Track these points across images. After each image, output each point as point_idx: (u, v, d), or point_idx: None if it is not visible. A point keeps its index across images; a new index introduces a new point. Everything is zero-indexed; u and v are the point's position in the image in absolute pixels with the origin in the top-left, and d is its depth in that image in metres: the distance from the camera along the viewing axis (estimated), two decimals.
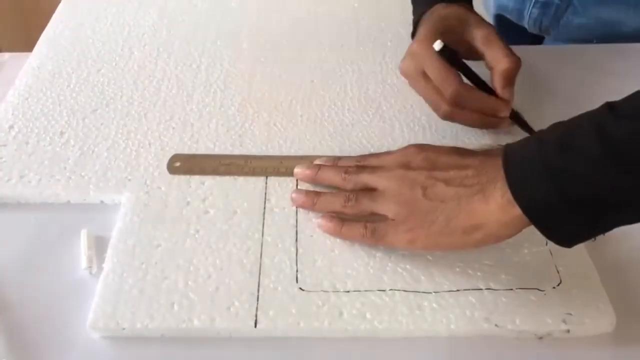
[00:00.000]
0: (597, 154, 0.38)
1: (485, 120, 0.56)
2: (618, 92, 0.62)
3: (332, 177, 0.50)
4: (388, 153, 0.50)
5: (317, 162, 0.53)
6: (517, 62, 0.55)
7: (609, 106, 0.40)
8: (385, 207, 0.46)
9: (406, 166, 0.47)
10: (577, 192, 0.38)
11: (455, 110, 0.55)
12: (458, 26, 0.57)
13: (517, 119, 0.56)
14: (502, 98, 0.55)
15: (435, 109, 0.56)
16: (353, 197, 0.48)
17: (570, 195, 0.38)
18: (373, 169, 0.48)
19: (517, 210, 0.40)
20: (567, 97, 0.63)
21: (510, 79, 0.54)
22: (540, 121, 0.59)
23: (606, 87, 0.64)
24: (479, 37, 0.57)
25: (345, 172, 0.49)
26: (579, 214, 0.39)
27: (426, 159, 0.46)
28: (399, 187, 0.46)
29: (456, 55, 0.55)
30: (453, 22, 0.58)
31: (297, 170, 0.52)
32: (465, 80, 0.55)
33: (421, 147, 0.48)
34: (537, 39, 0.80)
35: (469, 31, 0.57)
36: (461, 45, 0.56)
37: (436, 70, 0.54)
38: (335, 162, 0.52)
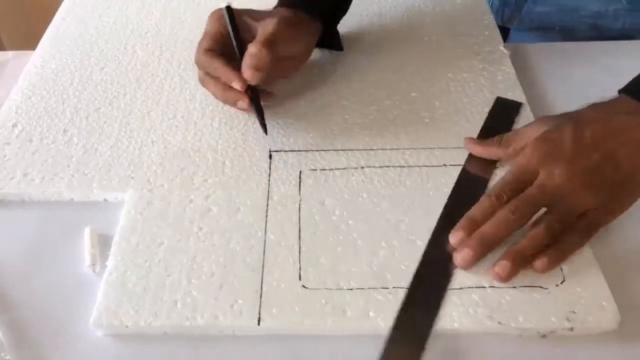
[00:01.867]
0: None
1: (225, 94, 0.56)
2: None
3: (505, 228, 0.45)
4: (520, 162, 0.48)
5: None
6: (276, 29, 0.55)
7: None
8: (583, 202, 0.46)
9: (564, 161, 0.46)
10: None
11: (206, 78, 0.57)
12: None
13: (256, 103, 0.56)
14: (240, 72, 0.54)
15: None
16: (557, 224, 0.45)
17: None
18: (537, 186, 0.46)
19: None
20: (567, 95, 0.63)
21: (263, 43, 0.53)
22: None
23: (607, 85, 0.64)
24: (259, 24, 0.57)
25: (514, 211, 0.45)
26: None
27: (573, 138, 0.47)
28: (579, 180, 0.46)
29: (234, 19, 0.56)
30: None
31: (453, 240, 0.46)
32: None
33: (546, 138, 0.48)
34: (502, 32, 0.79)
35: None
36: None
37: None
38: (488, 210, 0.46)
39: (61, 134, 0.57)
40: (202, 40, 0.57)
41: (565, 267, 0.46)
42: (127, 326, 0.43)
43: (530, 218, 0.46)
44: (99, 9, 0.74)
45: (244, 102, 0.55)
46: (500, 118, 0.57)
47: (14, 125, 0.58)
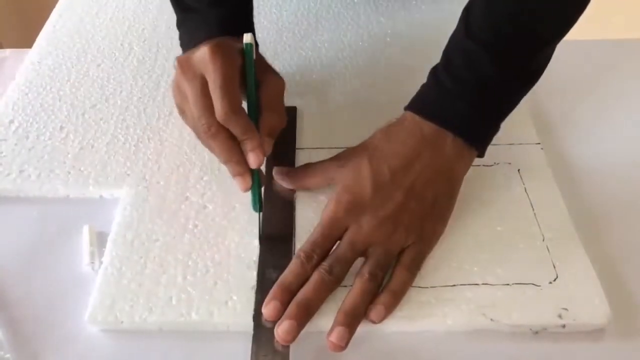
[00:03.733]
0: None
1: (237, 158, 0.45)
2: (618, 87, 0.62)
3: (324, 290, 0.43)
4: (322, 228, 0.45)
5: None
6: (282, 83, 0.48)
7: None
8: (398, 243, 0.45)
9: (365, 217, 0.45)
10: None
11: (218, 134, 0.44)
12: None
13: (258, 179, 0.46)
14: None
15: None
16: (372, 281, 0.43)
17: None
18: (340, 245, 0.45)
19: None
20: (567, 93, 0.63)
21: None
22: (542, 117, 0.59)
23: (606, 83, 0.65)
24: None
25: (329, 271, 0.43)
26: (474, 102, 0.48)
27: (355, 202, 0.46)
28: (389, 225, 0.45)
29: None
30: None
31: (269, 313, 0.42)
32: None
33: (341, 200, 0.46)
34: None
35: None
36: None
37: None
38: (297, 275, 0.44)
39: (57, 130, 0.57)
40: (218, 89, 0.43)
41: (558, 264, 0.46)
42: (122, 322, 0.43)
43: (347, 273, 0.44)
44: (96, 6, 0.74)
45: (248, 180, 0.46)
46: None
47: (11, 122, 0.58)
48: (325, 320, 0.42)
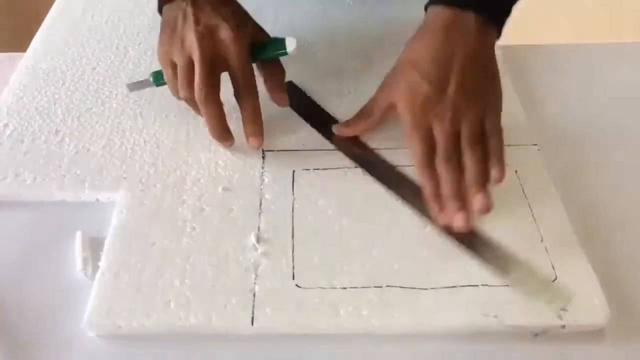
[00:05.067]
0: None
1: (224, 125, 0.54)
2: (616, 89, 0.63)
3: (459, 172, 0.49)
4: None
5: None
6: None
7: None
8: (475, 111, 0.50)
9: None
10: None
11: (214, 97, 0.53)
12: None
13: None
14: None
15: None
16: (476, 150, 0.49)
17: None
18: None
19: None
20: (564, 95, 0.63)
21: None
22: (540, 120, 0.60)
23: (604, 85, 0.65)
24: None
25: (449, 160, 0.49)
26: None
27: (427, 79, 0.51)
28: (460, 102, 0.50)
29: None
30: None
31: (460, 221, 0.47)
32: None
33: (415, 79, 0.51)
34: None
35: None
36: None
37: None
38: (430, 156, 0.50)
39: (53, 134, 0.57)
40: (236, 42, 0.53)
41: (557, 265, 0.46)
42: (119, 326, 0.43)
43: (460, 152, 0.49)
44: (91, 9, 0.74)
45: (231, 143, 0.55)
46: (299, 97, 0.60)
47: (5, 126, 0.58)
48: None
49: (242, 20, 0.56)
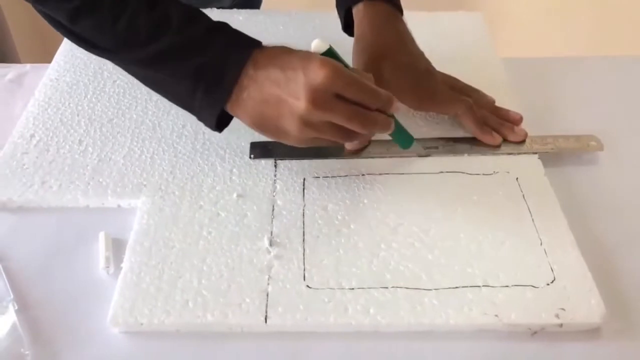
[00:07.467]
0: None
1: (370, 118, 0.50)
2: (614, 100, 0.65)
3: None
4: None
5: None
6: None
7: None
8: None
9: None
10: None
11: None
12: None
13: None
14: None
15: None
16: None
17: None
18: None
19: None
20: (563, 105, 0.65)
21: None
22: (539, 128, 0.62)
23: (602, 96, 0.67)
24: None
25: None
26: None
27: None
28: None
29: None
30: None
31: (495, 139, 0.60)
32: None
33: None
34: None
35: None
36: None
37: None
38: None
39: (77, 143, 0.60)
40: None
41: (555, 266, 0.48)
42: (141, 324, 0.45)
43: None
44: None
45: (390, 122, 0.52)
46: None
47: (32, 136, 0.61)
48: None
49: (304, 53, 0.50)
